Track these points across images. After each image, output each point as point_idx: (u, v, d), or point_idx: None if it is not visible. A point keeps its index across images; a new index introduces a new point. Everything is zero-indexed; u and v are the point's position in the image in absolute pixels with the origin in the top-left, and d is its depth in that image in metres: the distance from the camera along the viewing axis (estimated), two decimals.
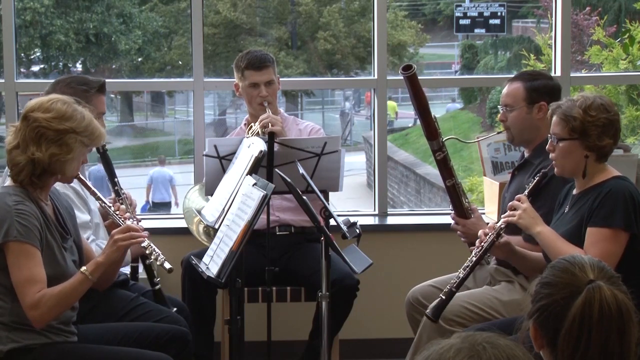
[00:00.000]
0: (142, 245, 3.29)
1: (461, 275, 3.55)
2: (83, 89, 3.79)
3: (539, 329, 2.04)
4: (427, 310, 3.62)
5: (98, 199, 3.52)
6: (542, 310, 2.02)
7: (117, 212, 3.44)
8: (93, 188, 3.52)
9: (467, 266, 3.56)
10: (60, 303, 3.11)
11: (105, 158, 3.84)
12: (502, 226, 3.52)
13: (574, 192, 3.52)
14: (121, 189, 3.80)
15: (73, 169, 3.23)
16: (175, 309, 3.71)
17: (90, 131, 3.21)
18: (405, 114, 19.71)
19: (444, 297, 3.57)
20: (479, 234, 3.60)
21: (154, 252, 3.31)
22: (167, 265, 3.27)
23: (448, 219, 4.17)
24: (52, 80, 3.90)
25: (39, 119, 3.15)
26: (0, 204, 3.12)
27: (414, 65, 3.96)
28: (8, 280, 3.11)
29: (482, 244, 3.54)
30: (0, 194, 3.18)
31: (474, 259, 3.56)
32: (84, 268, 3.17)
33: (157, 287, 3.74)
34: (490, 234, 3.53)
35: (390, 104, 19.60)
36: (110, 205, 3.49)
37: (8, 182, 3.24)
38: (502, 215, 3.60)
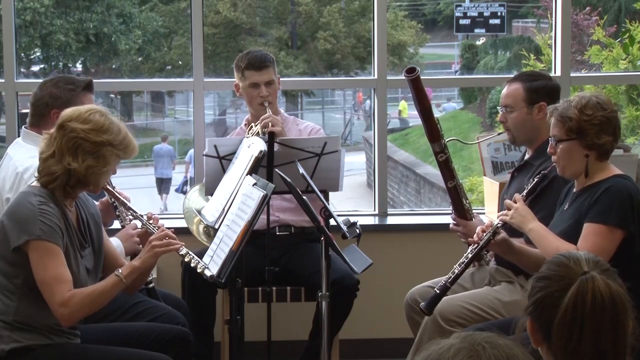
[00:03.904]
0: (181, 252, 3.24)
1: (456, 271, 3.56)
2: (70, 88, 3.78)
3: (535, 323, 2.04)
4: (422, 304, 3.62)
5: (128, 209, 3.51)
6: (538, 303, 2.04)
7: (151, 222, 3.43)
8: (123, 199, 3.52)
9: (463, 262, 3.57)
10: (92, 303, 3.12)
11: None
12: (498, 224, 3.53)
13: (575, 189, 3.53)
14: (113, 187, 3.75)
15: (105, 181, 3.25)
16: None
17: (126, 144, 3.21)
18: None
19: (438, 292, 3.58)
20: (476, 230, 3.61)
21: (193, 260, 3.24)
22: (208, 272, 3.17)
23: (448, 219, 4.17)
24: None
25: (76, 129, 3.13)
26: (24, 202, 3.11)
27: (418, 68, 3.95)
28: (20, 279, 3.12)
29: (479, 241, 3.55)
30: (24, 193, 3.18)
31: (470, 255, 3.57)
32: (118, 271, 3.16)
33: (151, 285, 3.71)
34: (487, 231, 3.54)
35: (402, 104, 19.62)
36: (143, 214, 3.49)
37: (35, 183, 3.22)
38: (498, 214, 3.61)
